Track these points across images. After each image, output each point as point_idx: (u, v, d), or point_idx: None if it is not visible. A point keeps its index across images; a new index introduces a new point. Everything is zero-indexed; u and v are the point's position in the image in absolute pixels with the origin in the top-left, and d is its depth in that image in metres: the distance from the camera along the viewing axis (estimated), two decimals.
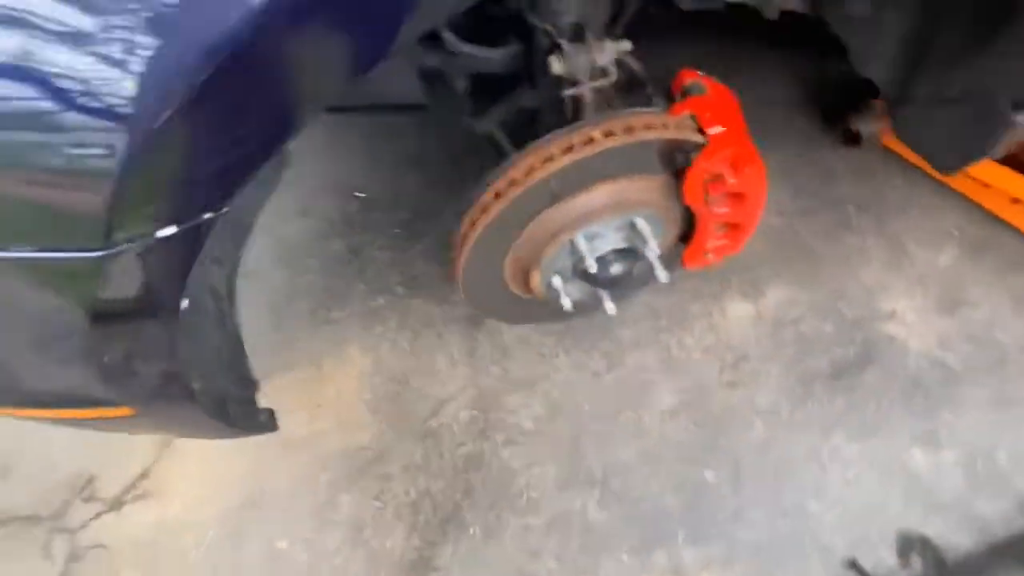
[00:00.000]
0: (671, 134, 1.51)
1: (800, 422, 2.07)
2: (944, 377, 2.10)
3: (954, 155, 1.53)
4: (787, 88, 2.64)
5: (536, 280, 1.73)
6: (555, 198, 1.57)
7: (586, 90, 1.59)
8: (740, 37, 2.73)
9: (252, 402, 1.59)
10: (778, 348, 2.17)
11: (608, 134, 1.49)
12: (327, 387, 2.32)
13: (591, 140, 1.48)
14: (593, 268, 1.63)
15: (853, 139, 2.42)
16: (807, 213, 2.39)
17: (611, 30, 1.91)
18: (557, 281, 1.74)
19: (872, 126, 2.35)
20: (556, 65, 1.56)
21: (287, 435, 2.27)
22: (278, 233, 2.61)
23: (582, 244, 1.63)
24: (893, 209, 2.35)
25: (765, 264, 2.32)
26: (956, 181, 2.32)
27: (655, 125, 1.51)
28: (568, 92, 1.58)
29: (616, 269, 1.68)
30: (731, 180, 1.56)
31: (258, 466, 2.23)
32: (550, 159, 1.49)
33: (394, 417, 2.24)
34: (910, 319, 2.19)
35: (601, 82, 1.60)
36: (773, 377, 2.13)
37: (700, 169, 1.54)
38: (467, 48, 1.64)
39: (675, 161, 1.57)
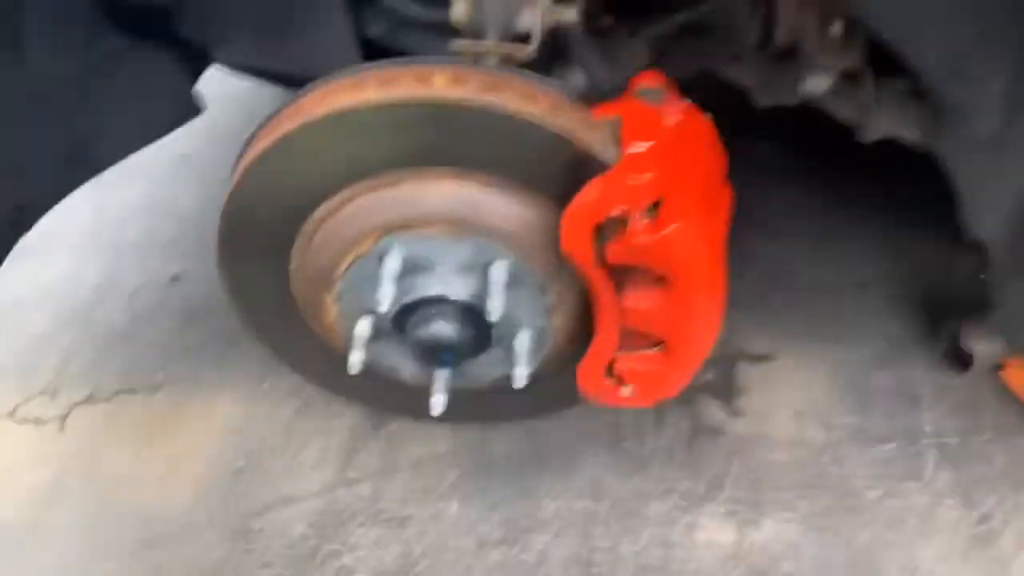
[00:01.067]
0: (558, 124, 0.93)
1: None
2: None
3: None
4: (888, 267, 1.96)
5: (330, 313, 1.15)
6: (359, 167, 1.01)
7: (485, 50, 1.07)
8: (847, 204, 2.13)
9: None
10: None
11: (457, 82, 0.94)
12: (175, 429, 1.83)
13: (427, 80, 0.94)
14: (383, 306, 1.02)
15: (961, 360, 1.69)
16: (864, 438, 1.66)
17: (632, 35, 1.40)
18: (363, 328, 1.14)
19: (992, 348, 1.62)
20: (458, 6, 1.07)
21: (104, 469, 1.78)
22: None
23: (391, 264, 1.04)
24: (996, 477, 1.57)
25: (779, 484, 1.60)
26: None
27: (539, 100, 0.94)
28: (457, 43, 1.07)
29: (440, 331, 1.07)
30: (642, 238, 0.93)
31: (47, 490, 1.74)
32: (358, 87, 0.95)
33: (220, 495, 1.69)
34: None
35: (514, 48, 1.07)
36: None
37: (589, 199, 0.93)
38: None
39: (577, 184, 0.98)
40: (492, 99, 0.94)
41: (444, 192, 1.02)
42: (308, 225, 1.09)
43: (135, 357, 2.00)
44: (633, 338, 1.08)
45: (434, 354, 1.09)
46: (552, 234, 1.01)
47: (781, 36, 1.50)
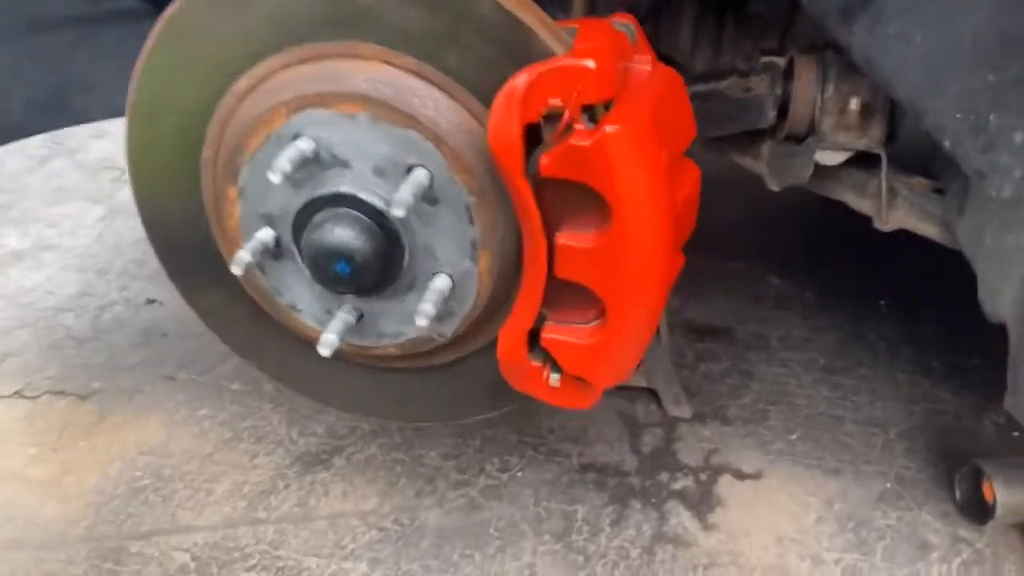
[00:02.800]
0: (516, 8, 0.88)
1: None
2: None
3: None
4: (903, 407, 1.74)
5: (232, 213, 1.02)
6: (283, 29, 0.95)
7: None
8: (865, 342, 1.96)
9: None
10: None
11: None
12: (89, 437, 1.67)
13: None
14: (275, 176, 0.89)
15: (981, 509, 1.44)
16: None
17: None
18: (266, 234, 1.01)
19: (1018, 498, 1.38)
20: None
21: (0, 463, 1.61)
22: None
23: (300, 144, 0.92)
24: None
25: None
26: None
27: None
28: None
29: (338, 237, 0.93)
30: (580, 139, 0.81)
31: None
32: None
33: (110, 515, 1.49)
34: None
35: None
36: None
37: (524, 82, 0.81)
38: None
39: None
40: None
41: (370, 70, 0.94)
42: (225, 101, 1.00)
43: (78, 364, 1.88)
44: (567, 307, 0.92)
45: (330, 268, 0.96)
46: (484, 143, 0.89)
47: (798, 112, 1.44)
